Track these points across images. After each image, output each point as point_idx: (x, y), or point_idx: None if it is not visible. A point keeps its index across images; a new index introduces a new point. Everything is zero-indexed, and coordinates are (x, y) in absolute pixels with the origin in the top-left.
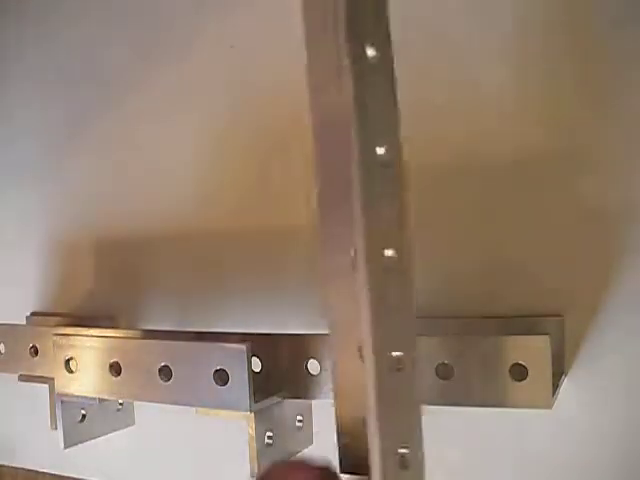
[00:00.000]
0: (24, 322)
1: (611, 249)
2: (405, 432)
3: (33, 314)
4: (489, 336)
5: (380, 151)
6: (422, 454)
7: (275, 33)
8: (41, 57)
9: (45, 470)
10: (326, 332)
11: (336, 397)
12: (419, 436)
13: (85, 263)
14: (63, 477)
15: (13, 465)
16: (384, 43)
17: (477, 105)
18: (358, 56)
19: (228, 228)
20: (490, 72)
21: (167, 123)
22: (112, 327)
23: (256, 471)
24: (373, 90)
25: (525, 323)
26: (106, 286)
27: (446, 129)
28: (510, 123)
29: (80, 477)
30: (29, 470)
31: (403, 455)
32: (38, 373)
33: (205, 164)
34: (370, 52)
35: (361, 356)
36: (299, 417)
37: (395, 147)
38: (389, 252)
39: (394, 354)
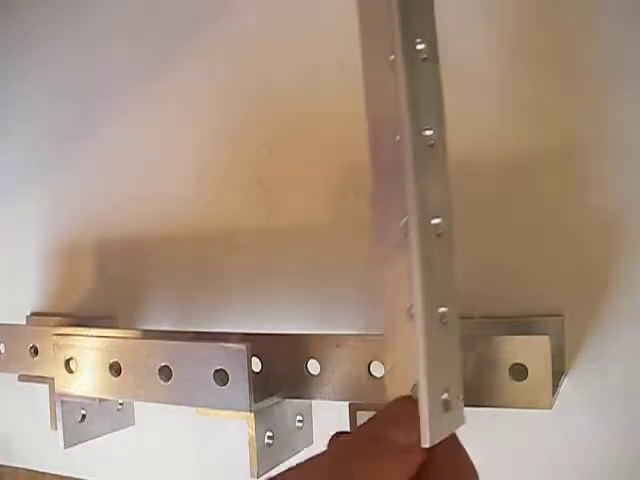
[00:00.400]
0: (24, 322)
1: (611, 249)
2: (448, 378)
3: (33, 314)
4: (489, 336)
5: (427, 132)
6: (462, 398)
7: (275, 33)
8: (43, 56)
9: (45, 470)
10: (325, 332)
11: (386, 356)
12: (459, 382)
13: (85, 263)
14: (63, 477)
15: (13, 465)
16: (431, 37)
17: (478, 106)
18: (410, 49)
19: (228, 228)
20: (490, 73)
21: (167, 124)
22: (112, 327)
23: (256, 471)
24: (422, 79)
25: (525, 323)
26: (106, 286)
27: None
28: (511, 124)
29: (80, 477)
30: (29, 470)
31: (446, 399)
32: (38, 373)
33: (205, 164)
34: (419, 46)
35: (410, 316)
36: (299, 417)
37: (440, 129)
38: (436, 220)
39: (440, 310)
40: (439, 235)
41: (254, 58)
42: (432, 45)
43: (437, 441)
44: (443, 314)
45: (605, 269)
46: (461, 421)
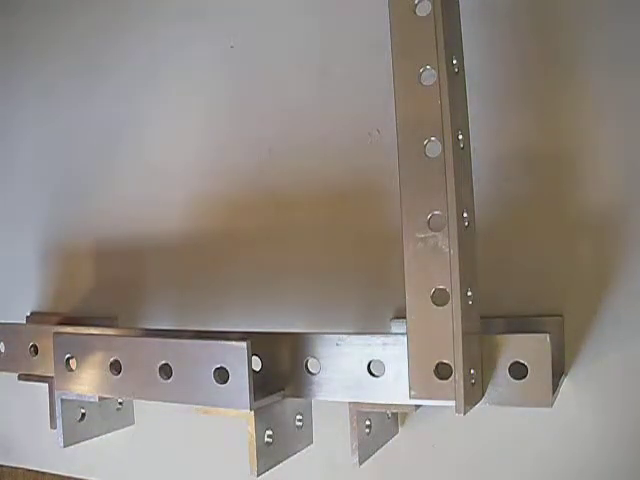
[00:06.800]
0: (24, 322)
1: (611, 249)
2: (473, 356)
3: (33, 314)
4: (489, 334)
5: (460, 136)
6: (481, 375)
7: (275, 33)
8: (43, 56)
9: (45, 470)
10: (325, 331)
11: (410, 337)
12: (479, 361)
13: (85, 263)
14: (63, 477)
15: (13, 465)
16: (460, 53)
17: (477, 107)
18: (449, 64)
19: (228, 228)
20: (490, 73)
21: (167, 124)
22: (112, 326)
23: (256, 470)
24: (455, 89)
25: (525, 323)
26: (106, 287)
27: None
28: (512, 124)
29: (80, 477)
30: (29, 470)
31: (473, 374)
32: (38, 372)
33: (205, 164)
34: (454, 61)
35: (434, 302)
36: (299, 416)
37: (466, 133)
38: (465, 213)
39: (469, 293)
40: (467, 227)
41: (255, 57)
42: (461, 60)
43: (469, 410)
44: (470, 296)
45: (604, 269)
46: (480, 396)
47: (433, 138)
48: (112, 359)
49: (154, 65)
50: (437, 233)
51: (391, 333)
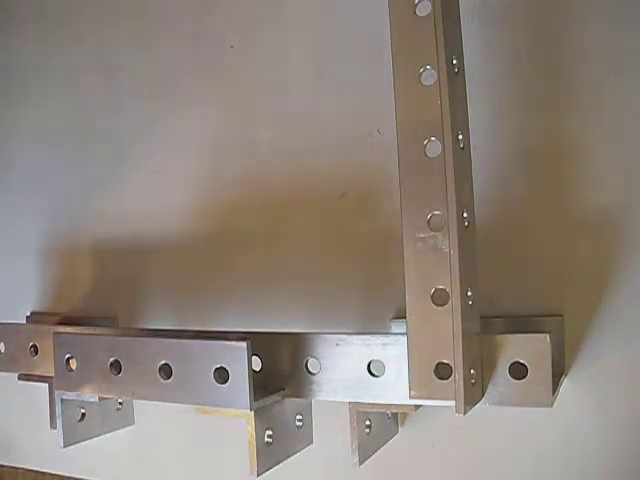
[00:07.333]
0: (24, 322)
1: (611, 249)
2: (473, 356)
3: (33, 314)
4: (489, 335)
5: (460, 136)
6: (481, 375)
7: (275, 33)
8: (44, 55)
9: (45, 470)
10: (325, 331)
11: (410, 337)
12: (479, 361)
13: (85, 263)
14: (63, 477)
15: (13, 465)
16: (460, 56)
17: (478, 106)
18: (449, 64)
19: (228, 229)
20: (490, 73)
21: (167, 125)
22: (112, 326)
23: (256, 470)
24: (455, 89)
25: (525, 323)
26: (105, 287)
27: None
28: (512, 124)
29: (80, 477)
30: (29, 470)
31: (473, 374)
32: (38, 372)
33: (205, 165)
34: (455, 61)
35: (434, 302)
36: (299, 416)
37: (466, 133)
38: (465, 213)
39: (469, 292)
40: (467, 227)
41: (255, 57)
42: (461, 60)
43: (469, 410)
44: (470, 296)
45: (604, 269)
46: (480, 396)
47: (433, 138)
48: (112, 359)
49: (153, 65)
50: (437, 233)
51: (391, 333)
